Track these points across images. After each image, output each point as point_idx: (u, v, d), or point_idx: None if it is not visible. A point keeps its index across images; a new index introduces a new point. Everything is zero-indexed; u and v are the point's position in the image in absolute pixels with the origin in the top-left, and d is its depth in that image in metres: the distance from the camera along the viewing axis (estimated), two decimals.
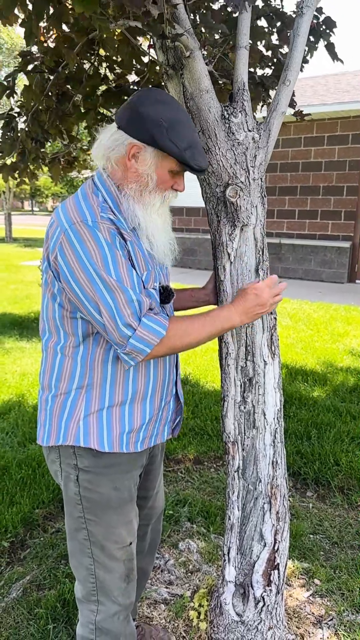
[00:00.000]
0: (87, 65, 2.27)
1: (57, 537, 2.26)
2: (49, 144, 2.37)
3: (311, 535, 2.35)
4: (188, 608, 1.92)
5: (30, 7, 1.26)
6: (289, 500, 2.60)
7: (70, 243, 1.16)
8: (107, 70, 2.28)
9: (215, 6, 1.47)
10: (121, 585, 1.38)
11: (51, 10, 1.39)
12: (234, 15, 1.46)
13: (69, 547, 1.39)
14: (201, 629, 1.84)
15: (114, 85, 2.11)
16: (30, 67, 1.79)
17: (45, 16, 1.35)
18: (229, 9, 1.42)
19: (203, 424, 3.32)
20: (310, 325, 6.09)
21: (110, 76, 2.34)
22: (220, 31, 1.32)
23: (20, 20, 1.54)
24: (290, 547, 2.24)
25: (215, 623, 1.82)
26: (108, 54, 1.75)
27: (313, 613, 1.94)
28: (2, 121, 1.93)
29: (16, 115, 1.90)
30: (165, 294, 1.33)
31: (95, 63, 2.24)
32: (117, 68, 2.26)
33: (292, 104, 2.00)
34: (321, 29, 1.85)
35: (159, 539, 1.76)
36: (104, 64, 2.25)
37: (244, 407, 1.67)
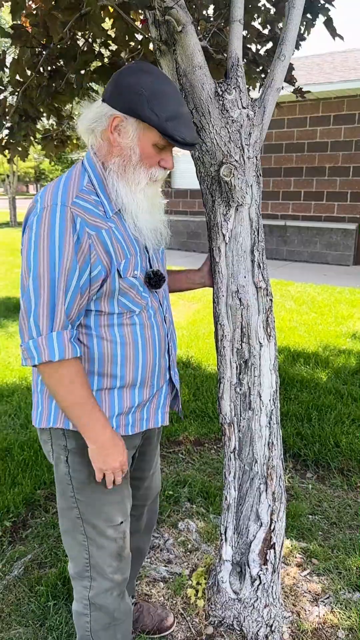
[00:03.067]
0: (81, 42, 2.22)
1: (58, 517, 2.29)
2: (43, 121, 2.33)
3: (310, 516, 2.37)
4: (186, 586, 1.95)
5: None
6: (289, 481, 2.62)
7: (31, 227, 1.17)
8: (102, 47, 2.24)
9: None
10: (113, 563, 1.39)
11: None
12: None
13: (62, 525, 1.41)
14: (199, 606, 1.87)
15: (108, 62, 2.07)
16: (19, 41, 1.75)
17: None
18: None
19: (204, 406, 3.33)
20: (314, 308, 6.06)
21: (105, 53, 2.29)
22: (211, 5, 1.27)
23: None
24: (288, 527, 2.27)
25: (212, 601, 1.85)
26: (94, 30, 1.71)
27: (310, 591, 1.96)
28: None
29: (3, 88, 1.87)
30: (156, 279, 1.31)
31: (90, 39, 2.19)
32: (111, 44, 2.21)
33: (291, 81, 1.95)
34: (319, 4, 1.79)
35: (155, 519, 1.77)
36: (98, 40, 2.20)
37: (240, 389, 1.67)
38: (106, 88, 1.21)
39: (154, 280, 1.31)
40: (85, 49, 2.19)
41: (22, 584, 1.95)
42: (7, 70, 1.82)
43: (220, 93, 1.43)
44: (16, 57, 1.82)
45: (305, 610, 1.87)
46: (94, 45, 2.25)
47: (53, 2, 1.49)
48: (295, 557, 2.13)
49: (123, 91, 1.16)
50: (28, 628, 1.77)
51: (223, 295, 1.60)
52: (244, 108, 1.44)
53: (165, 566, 2.09)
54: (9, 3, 1.39)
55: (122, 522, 1.40)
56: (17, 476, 2.54)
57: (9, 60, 1.82)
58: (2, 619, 1.81)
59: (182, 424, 3.13)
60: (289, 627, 1.79)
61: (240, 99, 1.44)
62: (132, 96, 1.14)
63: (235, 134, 1.45)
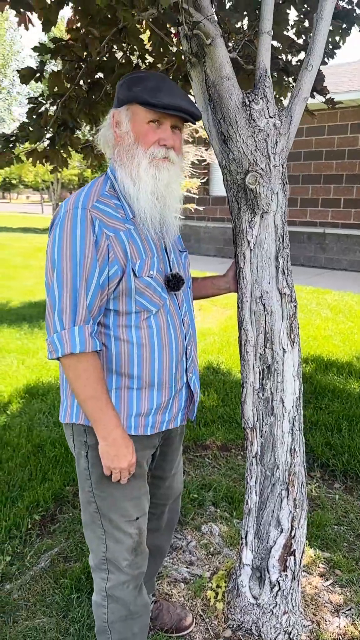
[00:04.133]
0: (119, 55, 2.31)
1: None
2: (84, 131, 2.43)
3: (335, 526, 2.34)
4: (206, 588, 1.96)
5: None
6: (315, 491, 2.60)
7: (55, 229, 1.25)
8: (139, 59, 2.31)
9: None
10: (128, 557, 1.43)
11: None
12: None
13: (83, 518, 1.46)
14: (218, 609, 1.88)
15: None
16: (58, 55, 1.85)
17: (65, 5, 1.40)
18: None
19: (232, 412, 3.34)
20: (351, 317, 5.94)
21: (142, 65, 2.37)
22: (241, 18, 1.31)
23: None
24: (312, 537, 2.25)
25: (232, 604, 1.86)
26: (132, 44, 1.78)
27: (331, 602, 1.94)
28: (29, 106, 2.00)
29: (44, 101, 1.97)
30: (175, 281, 1.35)
31: (127, 52, 2.27)
32: (148, 57, 2.29)
33: (323, 92, 1.96)
34: (355, 13, 1.80)
35: (176, 520, 1.80)
36: (136, 53, 2.28)
37: (263, 394, 1.68)
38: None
39: (172, 282, 1.35)
40: (123, 61, 2.27)
41: (48, 575, 2.02)
42: (43, 81, 1.92)
43: (248, 103, 1.46)
44: (55, 70, 1.92)
45: (325, 621, 1.85)
46: (132, 57, 2.33)
47: (90, 18, 1.57)
48: (318, 567, 2.11)
49: (117, 92, 1.29)
50: (52, 618, 1.83)
51: (247, 301, 1.62)
52: (270, 117, 1.47)
53: (187, 567, 2.11)
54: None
55: (138, 518, 1.44)
56: (47, 472, 2.63)
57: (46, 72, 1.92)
58: (27, 608, 1.88)
59: (209, 428, 3.15)
60: (308, 636, 1.78)
61: (267, 109, 1.46)
62: (119, 91, 1.28)
63: (262, 142, 1.47)
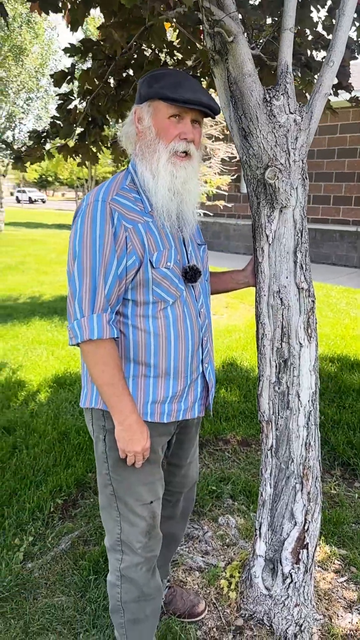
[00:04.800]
0: (148, 52, 2.35)
1: None
2: (113, 128, 2.49)
3: (353, 524, 2.33)
4: (220, 577, 2.00)
5: None
6: (335, 488, 2.59)
7: (77, 221, 1.31)
8: (167, 56, 2.35)
9: None
10: (142, 539, 1.48)
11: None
12: None
13: (100, 501, 1.52)
14: (231, 597, 1.92)
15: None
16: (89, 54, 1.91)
17: (92, 5, 1.45)
18: None
19: (253, 407, 3.35)
20: None
21: (170, 62, 2.41)
22: (258, 17, 1.33)
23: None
24: (329, 534, 2.25)
25: (245, 594, 1.89)
26: (155, 43, 1.82)
27: (345, 597, 1.94)
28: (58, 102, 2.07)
29: (73, 98, 2.03)
30: (192, 273, 1.39)
31: (156, 50, 2.32)
32: (176, 54, 2.32)
33: (348, 88, 1.96)
34: None
35: (191, 508, 1.84)
36: (164, 50, 2.32)
37: (279, 388, 1.70)
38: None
39: (190, 274, 1.39)
40: (151, 58, 2.32)
41: (68, 557, 2.09)
42: (75, 81, 1.99)
43: (269, 99, 1.48)
44: (85, 68, 1.98)
45: (338, 616, 1.86)
46: (160, 55, 2.37)
47: (116, 18, 1.62)
48: (334, 563, 2.11)
49: (138, 89, 1.33)
50: (70, 597, 1.91)
51: (265, 295, 1.64)
52: (291, 113, 1.48)
53: (202, 557, 2.15)
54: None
55: (152, 502, 1.48)
56: (71, 458, 2.71)
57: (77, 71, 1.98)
58: (47, 587, 1.96)
59: (230, 423, 3.17)
60: (319, 630, 1.79)
61: (288, 105, 1.48)
62: (141, 88, 1.32)
63: (282, 138, 1.49)
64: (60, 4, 1.45)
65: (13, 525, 2.23)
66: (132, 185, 1.35)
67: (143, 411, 1.41)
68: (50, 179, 44.34)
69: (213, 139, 6.65)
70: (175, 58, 2.38)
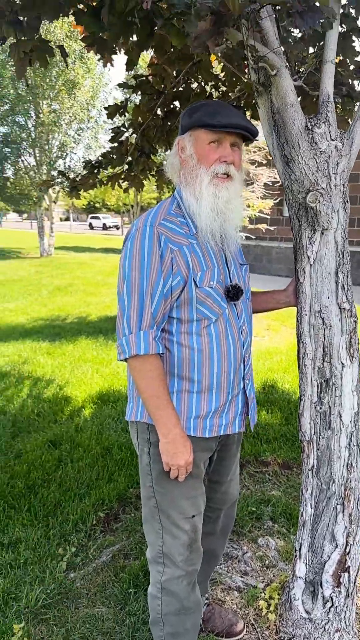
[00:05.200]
0: (194, 85, 2.49)
1: None
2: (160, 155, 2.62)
3: None
4: (259, 598, 1.99)
5: (134, 38, 1.49)
6: None
7: (127, 244, 1.40)
8: (212, 89, 2.48)
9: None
10: (184, 553, 1.51)
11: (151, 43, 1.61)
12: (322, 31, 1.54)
13: (143, 513, 1.57)
14: (270, 620, 1.90)
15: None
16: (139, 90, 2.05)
17: (146, 47, 1.57)
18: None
19: (295, 430, 3.32)
20: None
21: (215, 94, 2.53)
22: (299, 50, 1.41)
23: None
24: None
25: (284, 617, 1.87)
26: (204, 77, 1.94)
27: None
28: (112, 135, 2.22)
29: (125, 130, 2.17)
30: (234, 291, 1.45)
31: (202, 83, 2.44)
32: (221, 86, 2.44)
33: None
34: None
35: (231, 526, 1.86)
36: (210, 83, 2.44)
37: (320, 408, 1.71)
38: None
39: (232, 292, 1.45)
40: (197, 91, 2.45)
41: (109, 569, 2.14)
42: (127, 114, 2.13)
43: (310, 127, 1.54)
44: (137, 102, 2.12)
45: None
46: (206, 87, 2.50)
47: (166, 56, 1.74)
48: None
49: (181, 122, 1.43)
50: (110, 609, 1.95)
51: (306, 315, 1.68)
52: (332, 140, 1.54)
53: (241, 577, 2.14)
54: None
55: (194, 516, 1.52)
56: (114, 473, 2.78)
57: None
58: (88, 597, 2.01)
59: (271, 445, 3.16)
60: None
61: (329, 132, 1.54)
62: (182, 119, 1.42)
63: (323, 164, 1.54)
64: (114, 47, 1.60)
65: (57, 536, 2.31)
66: (178, 210, 1.44)
67: (186, 425, 1.46)
68: (97, 205, 45.87)
69: (256, 165, 6.77)
70: (220, 90, 2.50)
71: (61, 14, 1.44)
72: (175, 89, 2.29)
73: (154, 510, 1.52)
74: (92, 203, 46.55)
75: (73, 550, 2.23)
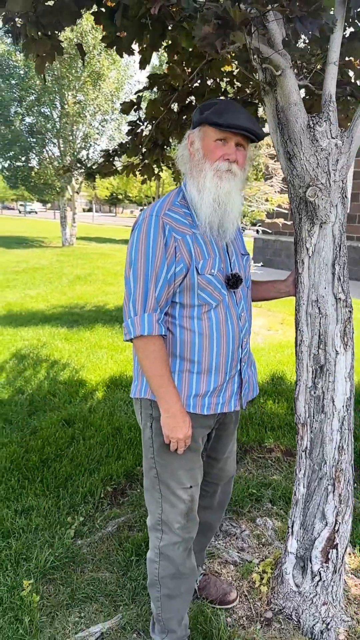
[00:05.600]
0: (210, 81, 2.57)
1: None
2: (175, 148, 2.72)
3: None
4: (253, 572, 2.10)
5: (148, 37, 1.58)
6: None
7: (134, 233, 1.51)
8: (228, 85, 2.56)
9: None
10: (181, 520, 1.63)
11: (163, 43, 1.71)
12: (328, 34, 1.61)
13: (144, 483, 1.69)
14: (262, 591, 2.01)
15: (232, 97, 2.39)
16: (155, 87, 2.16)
17: (158, 48, 1.67)
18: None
19: None
20: None
21: (230, 90, 2.61)
22: (301, 54, 1.49)
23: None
24: None
25: (275, 590, 1.98)
26: (214, 74, 2.03)
27: None
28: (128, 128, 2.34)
29: (141, 123, 2.28)
30: (234, 280, 1.55)
31: (217, 79, 2.53)
32: (236, 82, 2.53)
33: None
34: None
35: (227, 501, 1.97)
36: (225, 80, 2.53)
37: (314, 392, 1.80)
38: None
39: (232, 280, 1.55)
40: (213, 87, 2.54)
41: (114, 539, 2.28)
42: (140, 110, 2.24)
43: (312, 125, 1.63)
44: (152, 99, 2.23)
45: None
46: (221, 83, 2.58)
47: (177, 56, 1.84)
48: None
49: (192, 117, 1.52)
50: (113, 574, 2.08)
51: (304, 304, 1.77)
52: (333, 138, 1.62)
53: (238, 552, 2.26)
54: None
55: (191, 487, 1.63)
56: (122, 451, 2.92)
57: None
58: (93, 562, 2.15)
59: (275, 432, 3.26)
60: (346, 631, 1.84)
61: (330, 130, 1.62)
62: (195, 115, 1.51)
63: (323, 160, 1.63)
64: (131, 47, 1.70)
65: (67, 506, 2.46)
66: (183, 202, 1.54)
67: (186, 403, 1.57)
68: (120, 196, 46.09)
69: (275, 159, 6.80)
70: (235, 86, 2.58)
71: (78, 19, 1.55)
72: (190, 86, 2.38)
73: (154, 480, 1.64)
74: (114, 194, 46.79)
75: (81, 519, 2.38)
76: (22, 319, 6.49)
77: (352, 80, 1.89)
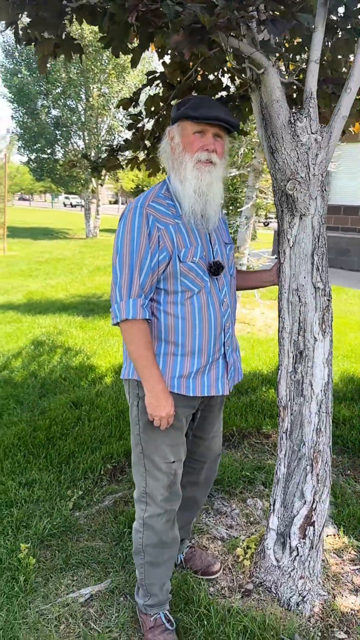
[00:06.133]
0: (211, 77, 2.65)
1: None
2: None
3: None
4: (238, 547, 2.21)
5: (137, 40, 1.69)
6: None
7: (120, 223, 1.61)
8: (229, 80, 2.64)
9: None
10: (164, 493, 1.74)
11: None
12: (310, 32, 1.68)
13: (132, 458, 1.81)
14: (245, 565, 2.12)
15: (235, 92, 2.46)
16: (154, 83, 2.25)
17: (145, 49, 1.77)
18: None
19: None
20: None
21: (232, 86, 2.69)
22: (277, 53, 1.57)
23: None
24: (351, 527, 2.37)
25: (258, 564, 2.09)
26: (208, 72, 2.12)
27: (353, 582, 2.06)
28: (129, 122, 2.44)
29: (141, 118, 2.38)
30: (215, 267, 1.64)
31: (218, 75, 2.61)
32: (237, 78, 2.60)
33: None
34: None
35: (213, 478, 2.08)
36: (226, 75, 2.61)
37: (294, 377, 1.89)
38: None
39: (213, 268, 1.65)
40: (215, 82, 2.61)
41: (110, 512, 2.42)
42: (138, 107, 2.33)
43: (293, 121, 1.70)
44: (151, 94, 2.33)
45: (342, 596, 1.99)
46: (222, 79, 2.66)
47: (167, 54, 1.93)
48: (350, 553, 2.23)
49: (171, 114, 1.62)
50: (106, 544, 2.23)
51: (285, 292, 1.85)
52: (312, 133, 1.69)
53: (226, 530, 2.37)
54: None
55: (174, 462, 1.74)
56: (124, 433, 3.06)
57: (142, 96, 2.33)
58: (89, 533, 2.30)
59: (274, 419, 3.34)
60: (321, 604, 1.94)
61: (310, 126, 1.69)
62: (173, 112, 1.61)
63: (303, 155, 1.71)
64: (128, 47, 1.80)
65: (67, 480, 2.61)
66: (167, 194, 1.65)
67: (171, 384, 1.67)
68: (146, 188, 46.16)
69: None
70: (235, 82, 2.65)
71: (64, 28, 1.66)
72: (189, 82, 2.47)
73: (140, 455, 1.76)
74: (140, 186, 46.94)
75: (80, 493, 2.53)
76: (41, 307, 6.71)
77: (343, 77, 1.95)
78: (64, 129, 16.83)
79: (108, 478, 2.70)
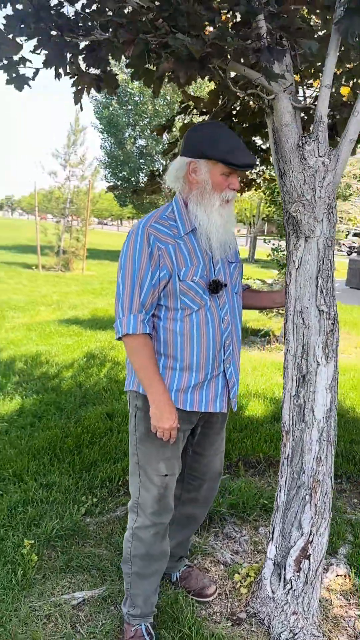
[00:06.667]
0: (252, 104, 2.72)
1: None
2: None
3: None
4: (238, 574, 2.15)
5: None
6: None
7: (125, 242, 1.69)
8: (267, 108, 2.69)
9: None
10: (154, 505, 1.76)
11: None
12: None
13: (129, 468, 1.85)
14: (242, 593, 2.06)
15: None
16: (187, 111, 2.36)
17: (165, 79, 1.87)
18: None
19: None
20: None
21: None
22: (280, 78, 1.60)
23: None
24: None
25: (255, 594, 2.02)
26: (231, 99, 2.19)
27: (355, 628, 1.93)
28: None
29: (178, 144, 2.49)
30: (214, 285, 1.68)
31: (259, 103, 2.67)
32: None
33: None
34: None
35: (213, 496, 2.06)
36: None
37: (297, 401, 1.85)
38: (181, 144, 1.68)
39: (213, 286, 1.68)
40: (256, 109, 2.68)
41: (119, 522, 2.46)
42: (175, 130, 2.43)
43: (301, 145, 1.72)
44: (185, 122, 2.44)
45: None
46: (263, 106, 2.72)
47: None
48: (358, 597, 2.09)
49: (193, 143, 1.64)
50: (109, 552, 2.27)
51: (290, 314, 1.84)
52: (320, 157, 1.70)
53: (232, 555, 2.32)
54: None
55: (166, 475, 1.76)
56: None
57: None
58: (95, 540, 2.35)
59: None
60: None
61: (318, 149, 1.70)
62: (200, 144, 1.62)
63: (310, 177, 1.71)
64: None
65: (85, 487, 2.70)
66: (171, 215, 1.70)
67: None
68: None
69: (358, 179, 6.61)
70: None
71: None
72: (229, 109, 2.55)
73: (135, 466, 1.81)
74: None
75: (94, 500, 2.60)
76: (103, 323, 7.00)
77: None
78: (148, 158, 17.65)
79: (125, 490, 2.75)
